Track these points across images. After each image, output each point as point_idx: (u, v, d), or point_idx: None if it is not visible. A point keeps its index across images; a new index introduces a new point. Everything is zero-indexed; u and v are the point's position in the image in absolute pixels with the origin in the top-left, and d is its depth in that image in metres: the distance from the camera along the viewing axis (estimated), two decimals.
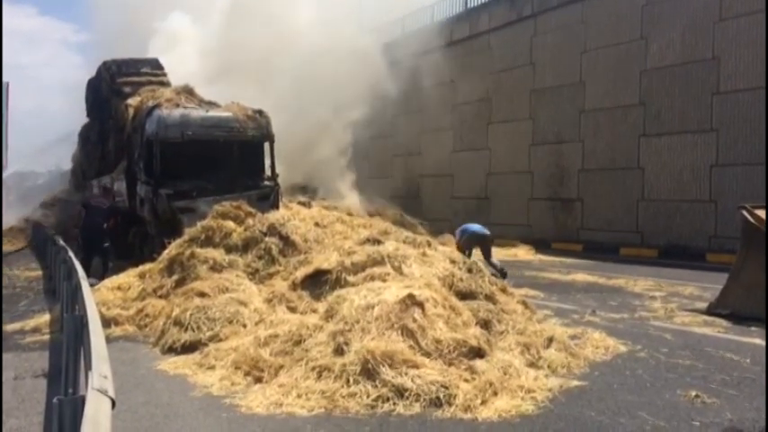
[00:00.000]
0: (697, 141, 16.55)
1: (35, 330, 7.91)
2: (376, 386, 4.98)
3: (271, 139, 13.93)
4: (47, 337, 7.56)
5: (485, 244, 12.45)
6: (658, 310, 8.95)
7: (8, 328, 8.04)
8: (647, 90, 17.70)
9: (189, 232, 9.61)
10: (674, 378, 5.66)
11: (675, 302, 9.52)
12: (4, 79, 23.26)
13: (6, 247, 20.49)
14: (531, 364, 5.81)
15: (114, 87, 16.54)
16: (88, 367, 3.13)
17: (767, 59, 14.74)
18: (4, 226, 24.14)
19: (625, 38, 18.27)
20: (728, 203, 14.86)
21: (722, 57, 15.97)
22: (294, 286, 7.79)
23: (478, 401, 4.86)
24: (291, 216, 11.01)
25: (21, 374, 6.01)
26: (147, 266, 9.62)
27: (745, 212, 8.58)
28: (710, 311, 8.54)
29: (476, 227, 12.57)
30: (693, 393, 5.13)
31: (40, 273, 13.90)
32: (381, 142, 27.48)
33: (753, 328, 7.55)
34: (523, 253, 17.70)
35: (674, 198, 17.00)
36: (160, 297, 8.45)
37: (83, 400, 2.42)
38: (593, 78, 19.23)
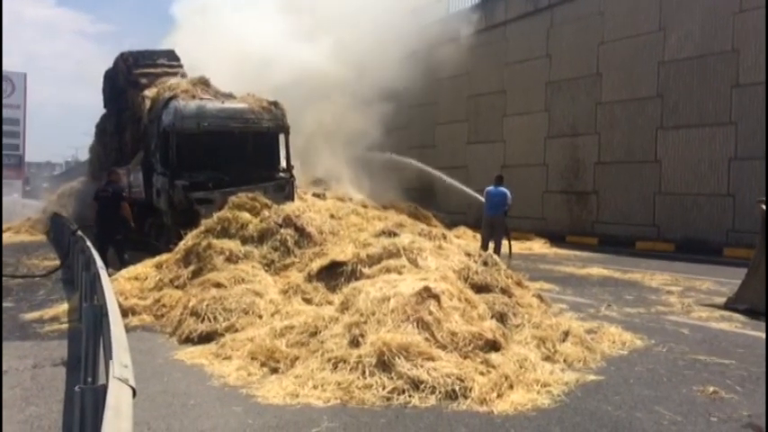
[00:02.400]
0: (715, 134, 16.36)
1: (54, 319, 8.01)
2: (391, 378, 4.99)
3: (286, 130, 13.93)
4: (65, 326, 7.66)
5: (496, 230, 12.75)
6: (675, 304, 8.89)
7: (27, 316, 8.16)
8: (664, 82, 17.51)
9: (205, 223, 9.65)
10: (691, 373, 5.62)
11: (692, 297, 9.46)
12: (22, 70, 23.58)
13: (24, 237, 20.78)
14: (547, 358, 5.81)
15: (131, 79, 16.66)
16: (108, 356, 3.16)
17: (767, 54, 14.54)
18: (22, 217, 24.46)
19: (643, 29, 18.06)
20: (747, 197, 14.70)
21: (742, 49, 15.75)
22: (310, 278, 7.82)
23: (494, 395, 4.86)
24: (307, 208, 11.03)
25: (40, 363, 6.10)
26: (164, 257, 9.68)
27: (764, 206, 8.52)
28: (728, 306, 8.49)
29: (493, 191, 13.26)
30: (711, 389, 5.10)
31: (58, 262, 14.03)
32: (395, 134, 27.37)
33: None
34: (538, 246, 17.63)
35: (692, 192, 16.84)
36: (177, 287, 8.50)
37: (104, 388, 2.46)
38: (610, 70, 19.04)
